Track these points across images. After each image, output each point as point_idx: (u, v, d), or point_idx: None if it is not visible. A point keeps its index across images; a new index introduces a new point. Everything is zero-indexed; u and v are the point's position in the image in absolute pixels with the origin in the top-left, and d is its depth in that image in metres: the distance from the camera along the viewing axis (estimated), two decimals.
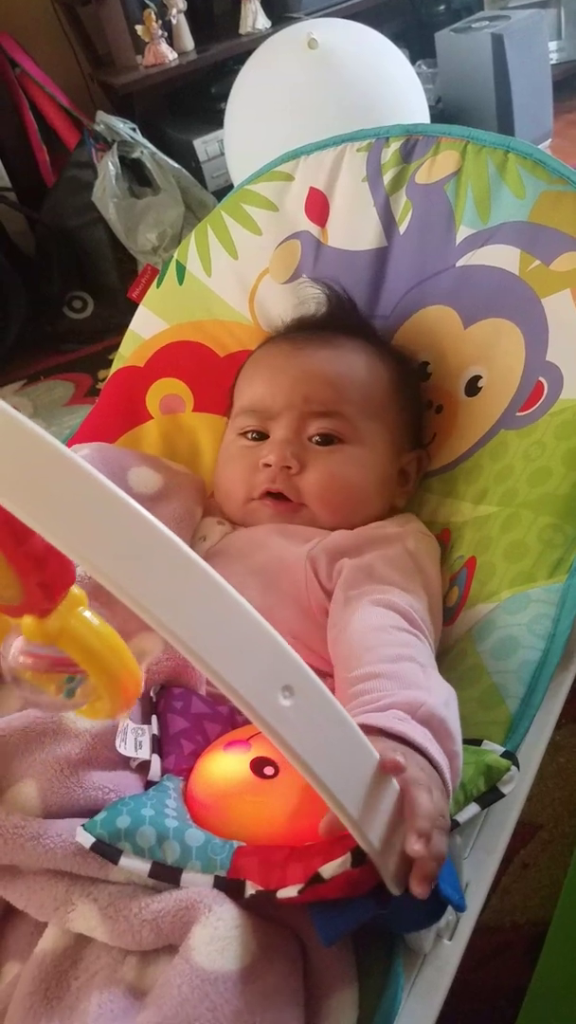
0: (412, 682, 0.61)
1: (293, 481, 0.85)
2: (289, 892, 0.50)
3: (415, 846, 0.47)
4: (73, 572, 0.40)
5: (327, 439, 0.85)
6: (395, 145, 0.95)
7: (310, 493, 0.84)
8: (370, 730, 0.55)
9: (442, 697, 0.60)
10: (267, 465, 0.85)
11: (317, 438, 0.85)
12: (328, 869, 0.49)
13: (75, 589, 0.40)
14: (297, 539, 0.82)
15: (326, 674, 0.64)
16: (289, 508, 0.85)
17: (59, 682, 0.43)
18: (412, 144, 0.95)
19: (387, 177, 0.96)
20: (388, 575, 0.75)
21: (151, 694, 0.70)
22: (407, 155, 0.95)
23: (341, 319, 0.94)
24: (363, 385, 0.87)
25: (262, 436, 0.88)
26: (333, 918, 0.50)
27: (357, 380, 0.87)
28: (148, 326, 1.08)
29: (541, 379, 0.81)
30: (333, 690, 0.45)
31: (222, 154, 2.44)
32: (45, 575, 0.38)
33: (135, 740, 0.65)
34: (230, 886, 0.54)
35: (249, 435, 0.88)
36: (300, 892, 0.49)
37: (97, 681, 0.42)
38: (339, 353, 0.88)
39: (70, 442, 1.03)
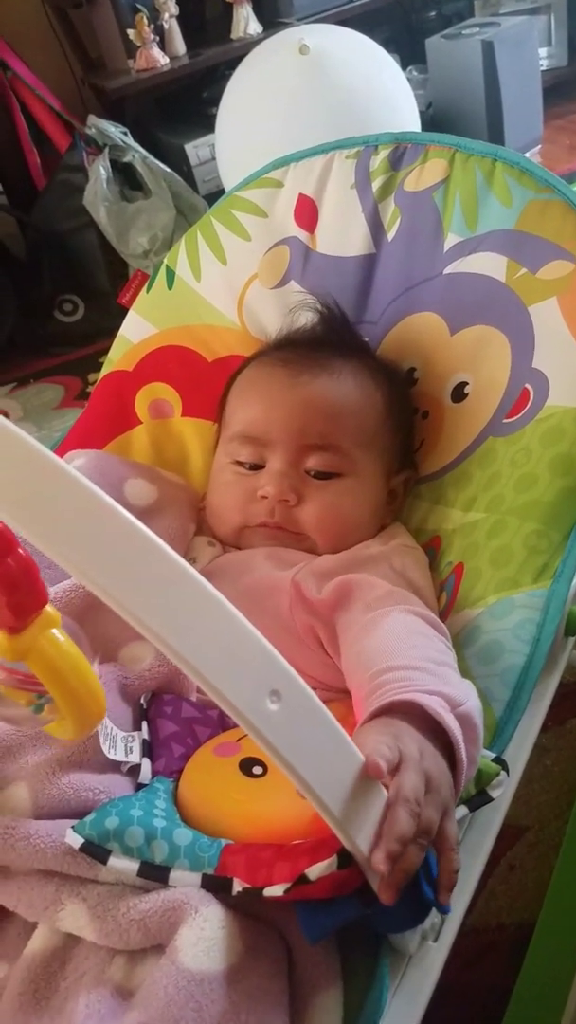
0: (454, 684, 0.61)
1: (292, 513, 0.85)
2: (275, 891, 0.50)
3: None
4: (46, 594, 0.40)
5: (324, 474, 0.85)
6: (384, 153, 0.96)
7: (308, 524, 0.84)
8: (412, 708, 0.56)
9: (477, 706, 0.60)
10: (264, 496, 0.85)
11: (315, 472, 0.85)
12: (315, 871, 0.49)
13: (49, 608, 0.41)
14: (284, 564, 0.82)
15: (312, 689, 0.65)
16: (285, 535, 0.85)
17: (30, 697, 0.43)
18: (401, 152, 0.95)
19: (376, 184, 0.96)
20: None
21: (141, 701, 0.71)
22: (396, 163, 0.96)
23: (334, 336, 0.94)
24: (358, 414, 0.87)
25: (257, 464, 0.87)
26: (318, 916, 0.51)
27: (353, 410, 0.87)
28: (138, 331, 1.08)
29: (527, 386, 0.82)
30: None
31: (213, 158, 2.43)
32: (16, 596, 0.39)
33: (125, 746, 0.65)
34: (217, 883, 0.54)
35: (246, 465, 0.88)
36: (286, 892, 0.50)
37: (60, 702, 0.42)
38: (334, 381, 0.87)
39: (62, 446, 1.03)
